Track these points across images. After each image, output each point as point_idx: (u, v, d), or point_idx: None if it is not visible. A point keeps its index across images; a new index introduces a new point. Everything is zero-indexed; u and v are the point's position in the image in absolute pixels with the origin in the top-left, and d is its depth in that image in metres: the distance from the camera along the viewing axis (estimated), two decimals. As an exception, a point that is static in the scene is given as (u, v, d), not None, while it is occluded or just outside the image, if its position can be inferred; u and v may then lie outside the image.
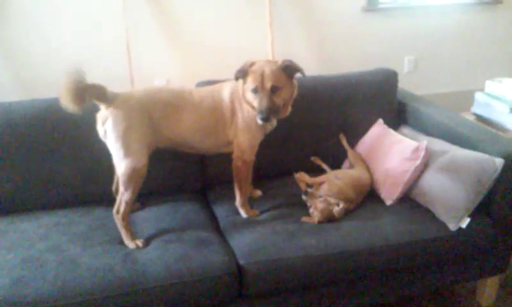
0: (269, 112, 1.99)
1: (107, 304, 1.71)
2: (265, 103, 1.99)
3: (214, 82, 2.33)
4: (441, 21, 3.77)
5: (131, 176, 1.95)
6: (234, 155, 2.18)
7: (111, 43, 2.99)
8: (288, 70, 2.03)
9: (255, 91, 2.02)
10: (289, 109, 2.16)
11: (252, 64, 2.05)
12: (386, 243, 2.01)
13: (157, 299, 1.76)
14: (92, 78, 1.91)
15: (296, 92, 2.14)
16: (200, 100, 2.12)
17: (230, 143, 2.18)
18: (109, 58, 3.00)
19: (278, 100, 2.02)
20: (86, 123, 2.10)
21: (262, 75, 2.00)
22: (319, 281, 1.99)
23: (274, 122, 2.21)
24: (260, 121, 2.01)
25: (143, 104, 2.02)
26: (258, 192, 2.37)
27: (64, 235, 1.98)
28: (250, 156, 2.18)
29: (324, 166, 2.53)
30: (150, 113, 2.02)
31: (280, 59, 2.08)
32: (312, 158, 2.56)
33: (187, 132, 2.12)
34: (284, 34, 3.37)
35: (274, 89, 2.00)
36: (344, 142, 2.56)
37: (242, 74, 2.06)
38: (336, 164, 2.55)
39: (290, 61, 2.04)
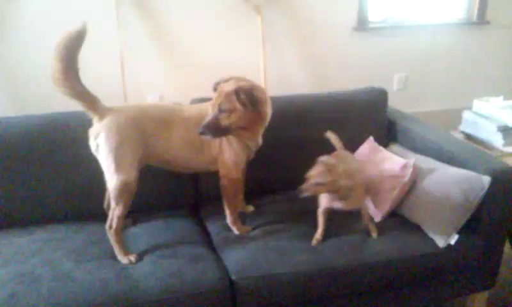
0: (204, 128, 2.00)
1: (101, 319, 1.72)
2: (207, 119, 2.02)
3: (208, 99, 2.36)
4: (430, 40, 3.84)
5: (122, 190, 1.97)
6: (221, 174, 2.21)
7: (105, 59, 3.02)
8: (238, 96, 2.00)
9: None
10: (256, 134, 2.16)
11: (227, 80, 2.09)
12: (376, 259, 2.03)
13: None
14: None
15: (264, 120, 2.13)
16: (188, 117, 2.16)
17: (216, 161, 2.21)
18: (103, 74, 3.02)
19: (224, 121, 2.01)
20: (81, 139, 2.12)
21: (220, 93, 2.03)
22: (310, 297, 2.01)
23: (258, 140, 2.23)
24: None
25: (136, 119, 2.05)
26: (251, 208, 2.39)
27: (58, 250, 1.98)
28: (236, 174, 2.20)
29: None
30: (142, 128, 2.05)
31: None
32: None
33: (176, 149, 2.15)
34: (276, 52, 3.42)
35: (221, 110, 2.01)
36: (333, 140, 2.37)
37: (216, 86, 2.10)
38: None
39: (243, 90, 1.99)
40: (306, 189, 1.90)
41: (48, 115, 2.33)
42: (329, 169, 1.89)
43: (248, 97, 1.99)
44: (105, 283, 1.79)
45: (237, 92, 2.00)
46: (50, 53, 1.91)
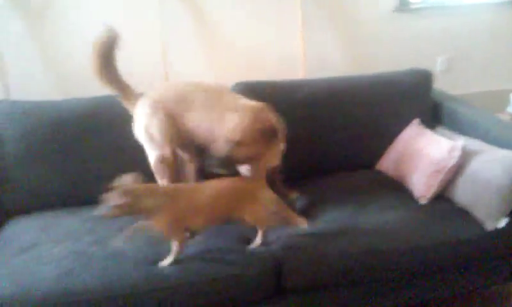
0: (216, 161, 1.96)
1: (151, 297, 1.77)
2: (220, 153, 1.97)
3: (252, 83, 2.38)
4: (473, 20, 3.74)
5: (160, 164, 2.09)
6: None
7: (146, 44, 3.06)
8: (253, 130, 1.94)
9: None
10: (273, 158, 2.11)
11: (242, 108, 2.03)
12: (420, 243, 2.01)
13: (198, 292, 1.81)
14: (127, 78, 2.13)
15: (278, 146, 2.10)
16: (207, 88, 2.15)
17: None
18: (144, 59, 3.07)
19: (238, 155, 1.96)
20: (126, 122, 2.18)
21: (235, 126, 1.96)
22: (356, 279, 2.01)
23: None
24: None
25: (161, 101, 2.11)
26: (295, 194, 2.33)
27: (108, 229, 2.02)
28: None
29: None
30: (167, 107, 2.10)
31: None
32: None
33: (199, 122, 2.12)
34: (316, 35, 3.39)
35: (235, 143, 1.94)
36: None
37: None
38: (369, 164, 2.58)
39: (259, 123, 1.96)
40: (104, 213, 1.78)
41: (95, 98, 2.39)
42: (125, 191, 1.77)
43: (264, 132, 1.95)
44: (155, 261, 1.85)
45: (252, 126, 1.94)
46: (94, 38, 2.00)
